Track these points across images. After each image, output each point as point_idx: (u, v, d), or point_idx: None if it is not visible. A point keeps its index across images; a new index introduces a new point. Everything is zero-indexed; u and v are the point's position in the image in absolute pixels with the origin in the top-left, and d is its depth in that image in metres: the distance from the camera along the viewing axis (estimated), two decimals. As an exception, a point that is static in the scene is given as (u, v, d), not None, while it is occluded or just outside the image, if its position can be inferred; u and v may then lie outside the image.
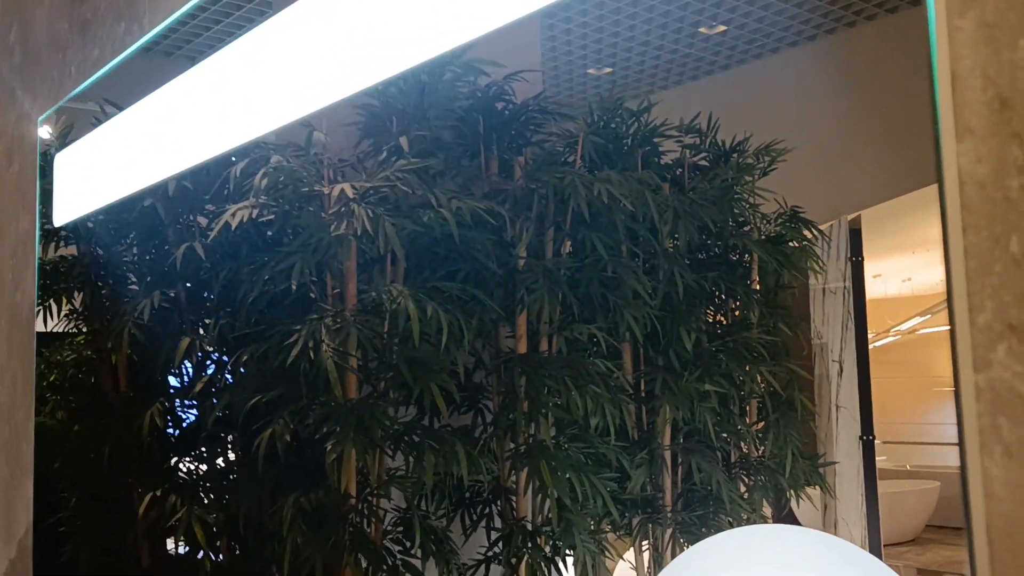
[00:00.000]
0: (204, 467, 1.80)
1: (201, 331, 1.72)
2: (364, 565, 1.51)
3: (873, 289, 3.72)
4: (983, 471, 0.65)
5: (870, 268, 3.21)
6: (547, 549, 1.80)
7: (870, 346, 3.04)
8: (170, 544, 1.87)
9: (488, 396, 1.97)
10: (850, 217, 3.06)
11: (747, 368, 2.09)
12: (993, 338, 0.65)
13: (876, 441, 2.98)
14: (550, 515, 1.86)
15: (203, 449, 1.78)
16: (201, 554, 1.74)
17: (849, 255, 3.09)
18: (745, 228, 2.29)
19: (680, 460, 2.20)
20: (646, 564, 2.22)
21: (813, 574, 1.33)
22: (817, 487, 2.26)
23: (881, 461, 3.04)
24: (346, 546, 1.49)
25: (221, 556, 1.74)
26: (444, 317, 1.54)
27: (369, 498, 1.58)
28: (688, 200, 2.08)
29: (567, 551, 1.85)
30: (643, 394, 2.25)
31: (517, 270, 1.81)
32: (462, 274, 1.76)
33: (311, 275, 1.54)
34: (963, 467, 0.70)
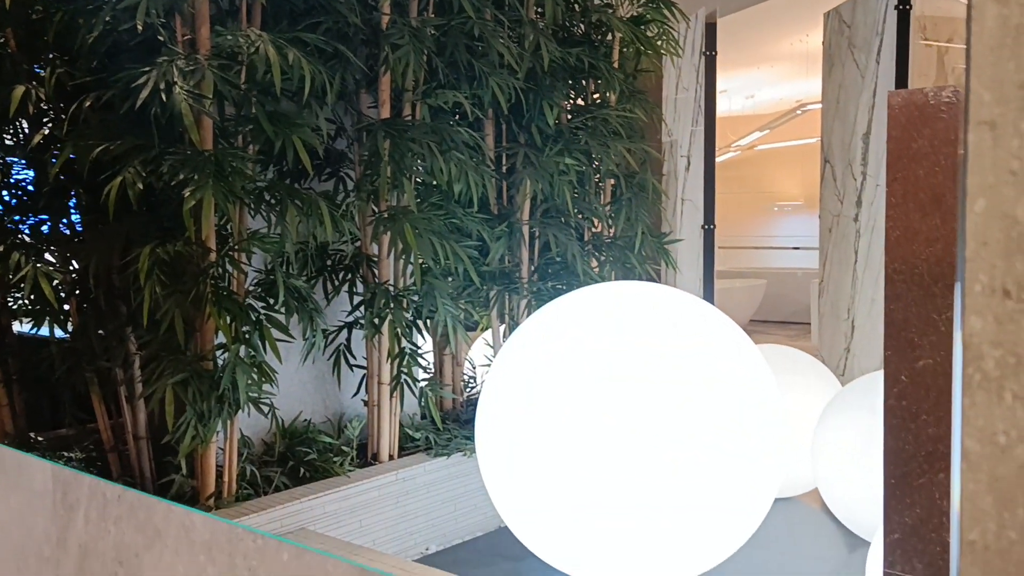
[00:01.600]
0: (47, 227, 1.68)
1: (35, 81, 1.59)
2: (228, 320, 1.51)
3: (718, 106, 3.78)
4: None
5: (716, 84, 3.27)
6: (409, 313, 1.86)
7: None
8: (16, 327, 1.79)
9: (350, 164, 1.94)
10: (707, 12, 3.07)
11: (605, 146, 2.11)
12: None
13: (715, 230, 3.16)
14: (413, 280, 1.91)
15: (46, 207, 1.68)
16: (47, 330, 1.67)
17: (704, 49, 3.13)
18: (610, 9, 2.26)
19: (538, 234, 2.27)
20: (503, 334, 2.33)
21: (649, 312, 1.42)
22: (662, 263, 2.39)
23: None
24: (208, 299, 1.48)
25: (71, 324, 1.69)
26: (307, 67, 1.47)
27: (231, 253, 1.56)
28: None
29: (428, 315, 1.91)
30: (504, 169, 2.28)
31: (381, 28, 1.74)
32: (324, 28, 1.68)
33: (159, 16, 1.43)
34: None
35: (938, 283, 0.94)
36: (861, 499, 1.75)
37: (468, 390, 2.29)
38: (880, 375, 1.90)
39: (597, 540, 1.39)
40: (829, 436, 1.80)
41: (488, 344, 2.38)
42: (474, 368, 2.40)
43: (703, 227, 3.08)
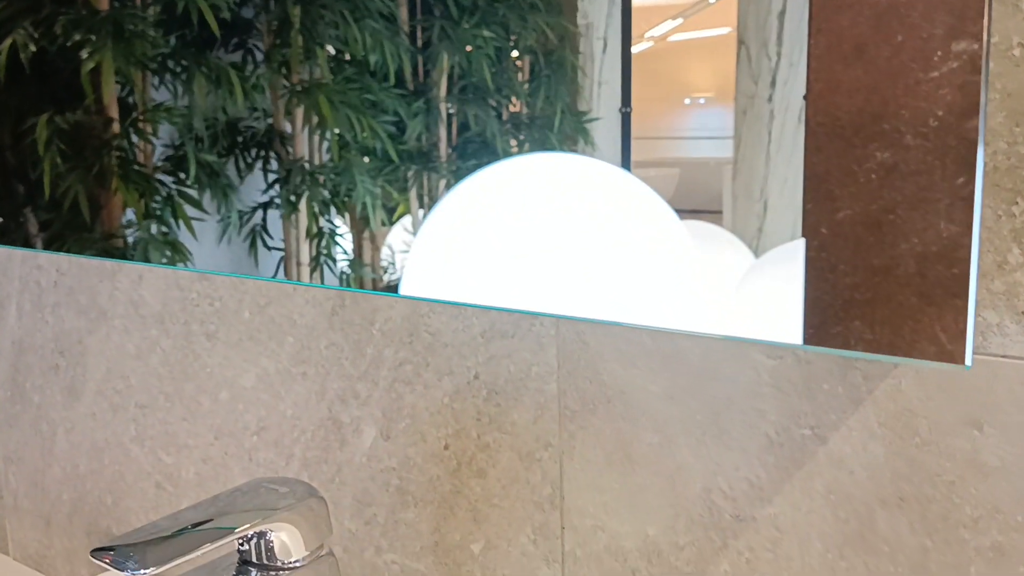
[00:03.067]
0: None
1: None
2: (138, 195, 1.48)
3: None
4: None
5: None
6: (326, 191, 1.82)
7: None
8: None
9: (258, 34, 1.88)
10: None
11: (523, 19, 2.04)
12: None
13: (632, 112, 3.08)
14: (329, 156, 1.86)
15: None
16: None
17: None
18: None
19: (455, 112, 2.21)
20: (421, 214, 2.29)
21: (569, 183, 1.38)
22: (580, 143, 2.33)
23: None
24: (113, 172, 1.45)
25: None
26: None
27: (137, 123, 1.52)
28: None
29: (347, 193, 1.87)
30: (420, 43, 2.20)
31: None
32: None
33: None
34: None
35: (859, 134, 0.90)
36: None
37: (387, 275, 2.27)
38: (794, 246, 1.85)
39: None
40: (743, 301, 1.76)
41: (407, 230, 2.34)
42: (393, 253, 2.37)
43: (620, 110, 2.99)
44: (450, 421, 0.66)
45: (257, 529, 0.47)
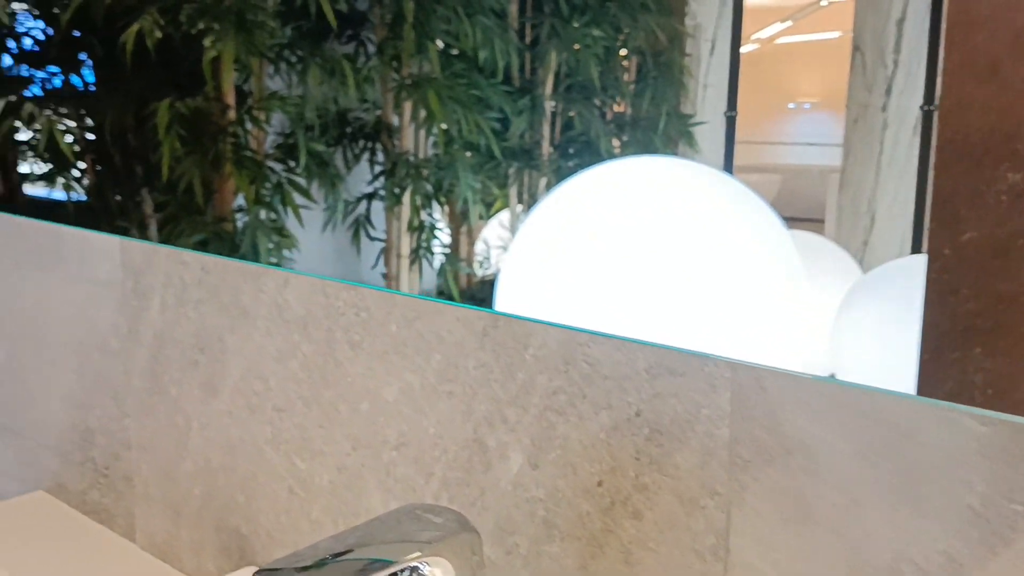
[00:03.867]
0: (60, 81, 1.62)
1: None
2: (249, 180, 1.51)
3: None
4: None
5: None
6: (429, 185, 1.82)
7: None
8: (26, 177, 1.76)
9: (371, 27, 1.90)
10: None
11: (634, 19, 2.00)
12: None
13: (737, 117, 2.98)
14: (435, 150, 1.87)
15: (56, 59, 1.66)
16: (61, 193, 1.65)
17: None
18: None
19: (560, 110, 2.19)
20: (519, 211, 2.27)
21: (677, 189, 1.34)
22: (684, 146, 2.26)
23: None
24: (227, 157, 1.49)
25: (86, 180, 1.68)
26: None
27: (252, 111, 1.55)
28: None
29: (449, 188, 1.87)
30: (528, 40, 2.18)
31: None
32: None
33: None
34: None
35: (989, 154, 0.85)
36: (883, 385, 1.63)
37: (482, 269, 2.26)
38: (906, 263, 1.76)
39: None
40: (850, 321, 1.68)
41: (503, 226, 2.33)
42: (488, 248, 2.37)
43: (726, 114, 2.90)
44: (605, 457, 0.62)
45: (413, 563, 0.46)
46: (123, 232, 1.71)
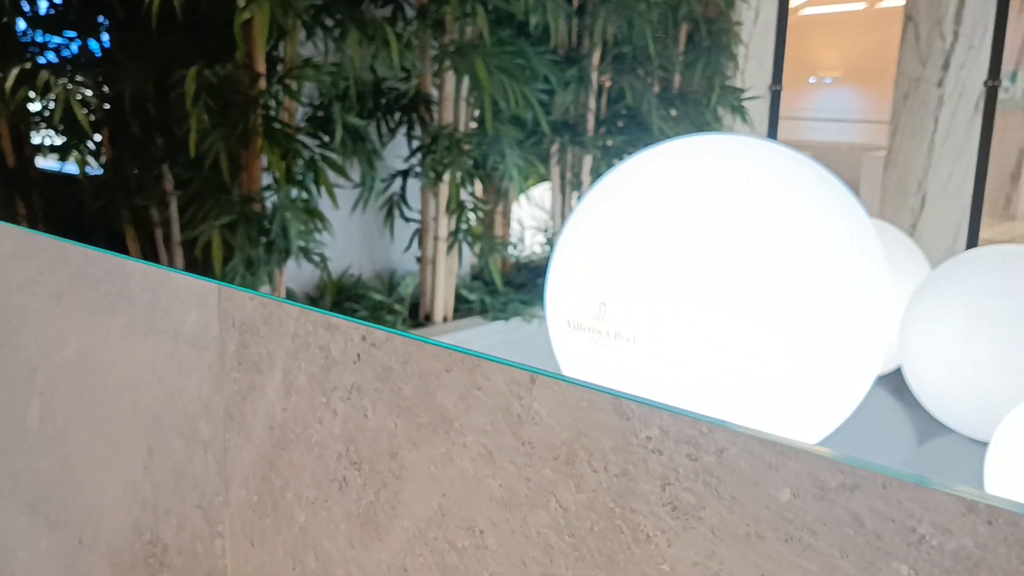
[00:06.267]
0: (77, 46, 1.48)
1: None
2: (280, 158, 1.34)
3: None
4: None
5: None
6: (471, 161, 1.67)
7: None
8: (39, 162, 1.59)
9: (410, -12, 1.74)
10: None
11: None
12: None
13: (782, 90, 2.87)
14: (478, 123, 1.71)
15: (74, 23, 1.48)
16: (74, 168, 1.52)
17: None
18: None
19: (608, 83, 2.04)
20: (564, 191, 2.12)
21: (751, 166, 1.20)
22: (738, 119, 2.14)
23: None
24: (258, 131, 1.32)
25: (104, 156, 1.51)
26: None
27: (285, 80, 1.38)
28: None
29: (494, 164, 1.71)
30: (575, 5, 2.02)
31: None
32: None
33: None
34: None
35: None
36: (956, 386, 1.50)
37: (517, 252, 2.11)
38: (989, 251, 1.64)
39: (681, 403, 1.18)
40: (924, 315, 1.56)
41: (540, 208, 2.19)
42: (523, 229, 2.22)
43: (771, 88, 2.78)
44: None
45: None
46: (142, 211, 1.54)
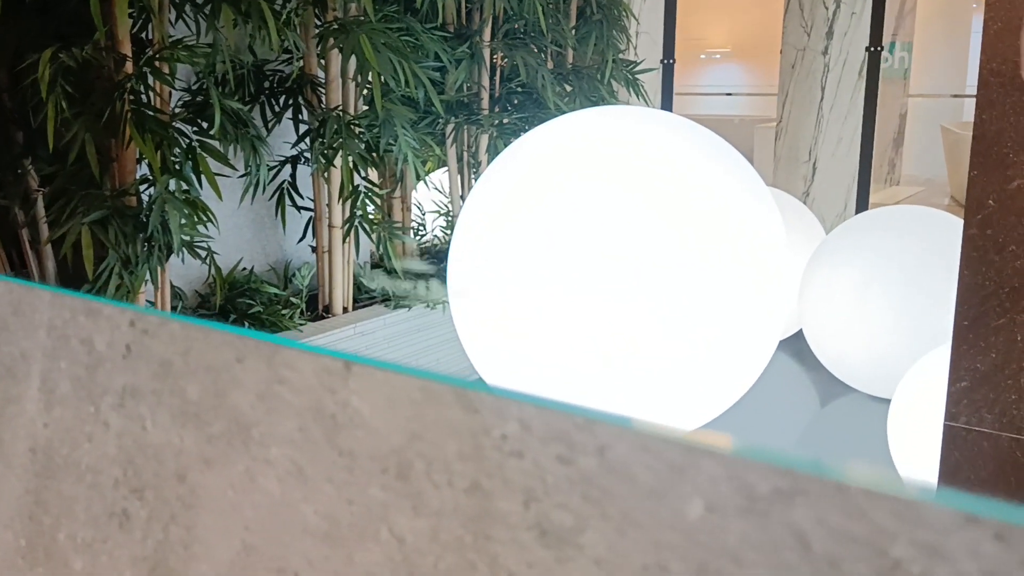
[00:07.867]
0: None
1: None
2: (154, 146, 1.22)
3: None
4: None
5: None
6: (363, 145, 1.58)
7: None
8: None
9: (289, -35, 1.63)
10: None
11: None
12: None
13: (675, 64, 2.88)
14: (368, 105, 1.62)
15: None
16: None
17: None
18: None
19: (500, 59, 1.98)
20: (460, 173, 2.04)
21: (651, 135, 1.16)
22: (633, 93, 2.11)
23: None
24: (126, 119, 1.19)
25: None
26: None
27: (153, 62, 1.25)
28: None
29: (387, 147, 1.62)
30: None
31: None
32: None
33: None
34: None
35: None
36: (854, 346, 1.52)
37: (419, 238, 2.03)
38: (879, 214, 1.67)
39: (585, 389, 1.12)
40: (821, 278, 1.56)
41: (438, 189, 2.12)
42: (423, 214, 2.14)
43: (662, 61, 2.80)
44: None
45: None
46: (4, 212, 1.39)
